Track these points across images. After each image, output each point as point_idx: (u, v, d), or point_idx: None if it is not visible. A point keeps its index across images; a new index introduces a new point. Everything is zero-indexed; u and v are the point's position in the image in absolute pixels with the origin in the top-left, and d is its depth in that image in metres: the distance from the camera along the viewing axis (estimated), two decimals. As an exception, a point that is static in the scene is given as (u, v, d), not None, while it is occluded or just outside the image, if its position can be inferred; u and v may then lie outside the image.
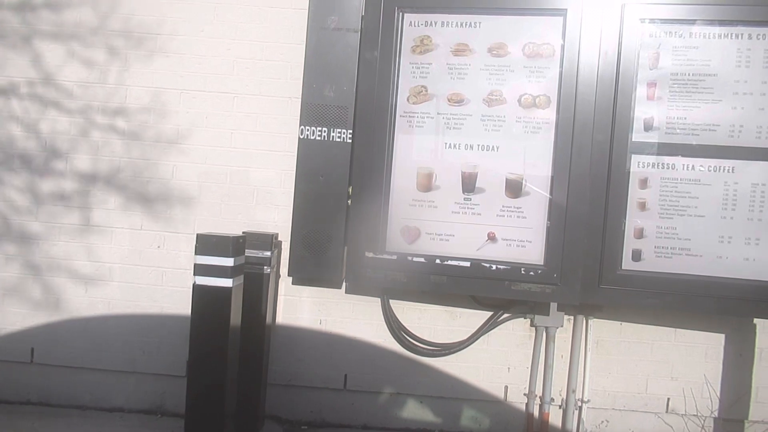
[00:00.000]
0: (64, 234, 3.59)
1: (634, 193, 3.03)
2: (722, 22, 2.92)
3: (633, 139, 3.01)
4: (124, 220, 3.58)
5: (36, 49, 3.56)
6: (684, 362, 3.50)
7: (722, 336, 3.49)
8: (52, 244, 3.59)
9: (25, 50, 3.57)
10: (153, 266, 3.58)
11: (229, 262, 2.87)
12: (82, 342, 3.59)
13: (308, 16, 3.27)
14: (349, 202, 3.23)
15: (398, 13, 3.14)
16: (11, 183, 3.59)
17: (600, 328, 3.50)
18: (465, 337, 3.50)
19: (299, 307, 3.58)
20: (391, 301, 3.51)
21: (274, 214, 3.55)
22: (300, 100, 3.30)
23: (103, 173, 3.58)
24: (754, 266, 2.95)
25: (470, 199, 3.12)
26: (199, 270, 2.88)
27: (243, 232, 3.23)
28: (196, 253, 2.90)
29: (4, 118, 3.58)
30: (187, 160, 3.56)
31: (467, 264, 3.08)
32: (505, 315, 3.49)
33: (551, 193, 3.03)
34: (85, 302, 3.60)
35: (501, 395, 3.55)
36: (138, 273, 3.58)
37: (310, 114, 3.25)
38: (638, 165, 3.02)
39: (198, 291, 2.89)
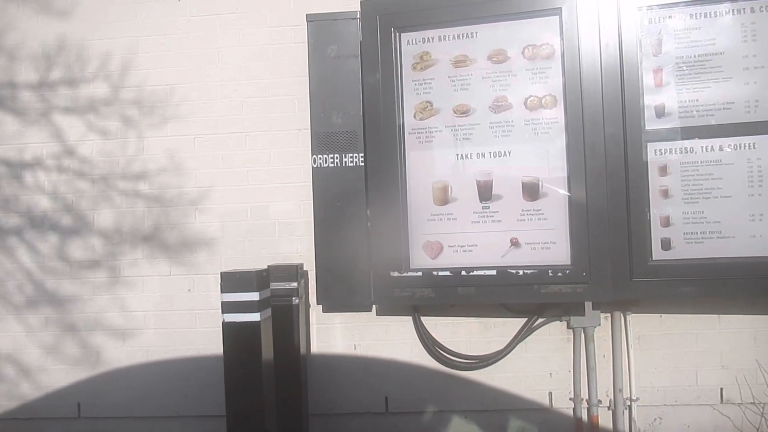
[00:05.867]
0: (97, 289, 3.69)
1: (655, 182, 2.97)
2: (720, 0, 2.88)
3: (646, 128, 2.96)
4: (153, 269, 3.67)
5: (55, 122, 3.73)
6: (733, 349, 3.38)
7: (769, 317, 3.37)
8: (86, 300, 3.69)
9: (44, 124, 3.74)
10: (185, 309, 3.64)
11: (254, 296, 2.90)
12: (126, 392, 3.66)
13: (308, 49, 3.35)
14: (369, 224, 3.24)
15: (395, 34, 3.18)
16: (42, 248, 3.73)
17: (639, 323, 3.41)
18: (502, 347, 3.45)
19: (332, 334, 3.59)
20: (422, 317, 3.49)
21: (297, 245, 3.58)
22: (309, 130, 3.36)
23: (127, 227, 3.68)
24: (791, 241, 2.86)
25: (488, 207, 3.11)
26: (227, 307, 2.92)
27: (268, 266, 3.27)
28: (222, 291, 2.95)
29: (31, 189, 3.73)
30: (207, 202, 3.64)
31: (493, 272, 3.06)
32: (540, 320, 3.43)
33: (569, 192, 3.00)
34: (123, 353, 3.67)
35: (546, 402, 3.47)
36: (172, 318, 3.65)
37: (321, 142, 3.30)
38: (655, 153, 2.97)
39: (227, 328, 2.93)
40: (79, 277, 3.70)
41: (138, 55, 3.69)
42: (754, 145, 2.89)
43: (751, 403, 3.34)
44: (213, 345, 3.52)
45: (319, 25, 3.33)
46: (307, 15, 3.36)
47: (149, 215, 3.68)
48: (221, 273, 3.03)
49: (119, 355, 3.68)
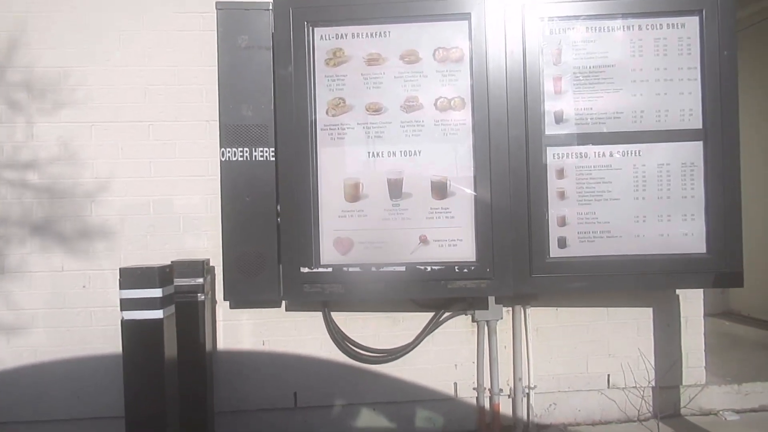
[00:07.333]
0: (-21, 284, 3.40)
1: (553, 184, 3.15)
2: (613, 16, 3.10)
3: (546, 133, 3.12)
4: (43, 263, 3.42)
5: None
6: (619, 339, 3.67)
7: (650, 309, 3.68)
8: (-34, 296, 3.39)
9: None
10: (80, 307, 3.42)
11: (156, 293, 2.78)
12: (11, 396, 3.39)
13: (218, 37, 3.24)
14: (279, 219, 3.20)
15: (308, 28, 3.14)
16: None
17: (538, 316, 3.62)
18: (410, 341, 3.54)
19: (240, 331, 3.52)
20: (333, 313, 3.50)
21: (204, 240, 3.47)
22: (218, 122, 3.25)
23: (14, 219, 3.40)
24: (669, 241, 3.13)
25: (399, 205, 3.16)
26: (126, 305, 2.78)
27: (172, 261, 3.15)
28: (120, 288, 2.80)
29: None
30: (105, 194, 3.44)
31: (402, 268, 3.11)
32: (447, 314, 3.55)
33: (475, 191, 3.11)
34: (8, 353, 3.40)
35: (451, 392, 3.60)
36: (65, 316, 3.42)
37: (230, 135, 3.21)
38: (554, 156, 3.15)
39: (127, 326, 2.79)
40: (-43, 272, 3.38)
41: (28, 33, 3.41)
42: (639, 153, 3.14)
43: (634, 387, 3.65)
44: (111, 344, 3.35)
45: (230, 14, 3.23)
46: (216, 3, 3.24)
47: (39, 207, 3.42)
48: (120, 268, 2.87)
49: (2, 355, 3.40)
